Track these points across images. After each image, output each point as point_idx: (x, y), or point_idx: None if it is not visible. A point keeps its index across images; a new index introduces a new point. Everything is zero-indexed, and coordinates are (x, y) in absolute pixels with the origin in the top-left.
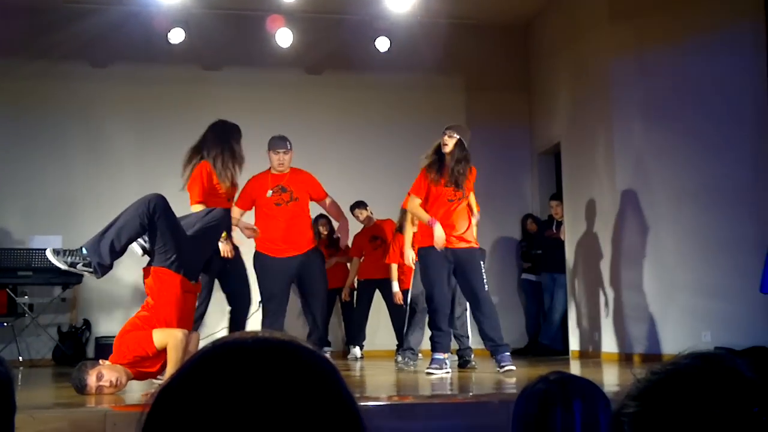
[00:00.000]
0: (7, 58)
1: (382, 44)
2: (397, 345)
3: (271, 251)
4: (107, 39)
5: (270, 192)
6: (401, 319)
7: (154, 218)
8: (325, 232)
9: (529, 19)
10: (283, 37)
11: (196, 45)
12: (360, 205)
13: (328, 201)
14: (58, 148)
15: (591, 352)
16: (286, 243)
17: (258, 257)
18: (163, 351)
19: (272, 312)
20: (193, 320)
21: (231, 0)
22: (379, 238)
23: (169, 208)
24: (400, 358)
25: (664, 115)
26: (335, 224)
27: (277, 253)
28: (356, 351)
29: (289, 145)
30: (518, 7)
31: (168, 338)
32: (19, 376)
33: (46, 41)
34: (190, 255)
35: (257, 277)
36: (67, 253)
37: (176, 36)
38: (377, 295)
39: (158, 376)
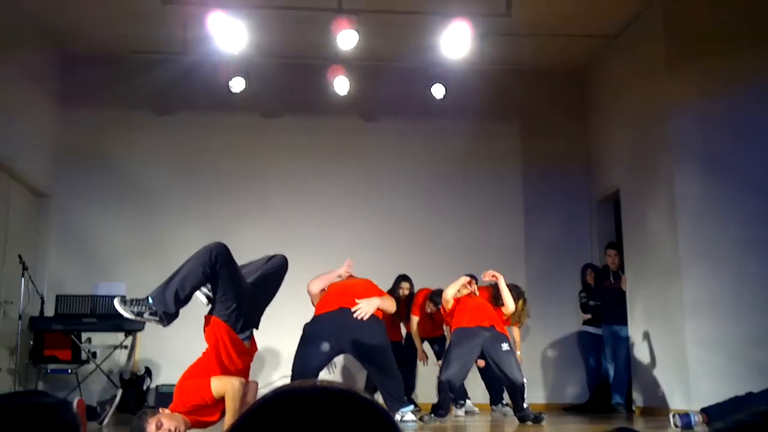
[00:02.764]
0: (78, 109)
1: (438, 91)
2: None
3: (324, 308)
4: (171, 88)
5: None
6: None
7: (216, 267)
8: (405, 295)
9: (585, 65)
10: (341, 85)
11: (257, 93)
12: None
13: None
14: (123, 197)
15: (656, 409)
16: (343, 298)
17: (307, 325)
18: (221, 400)
19: (297, 376)
20: (248, 377)
21: (290, 49)
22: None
23: (231, 256)
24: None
25: (725, 164)
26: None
27: (330, 308)
28: None
29: None
30: (575, 54)
31: (225, 386)
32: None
33: (114, 91)
34: (251, 303)
35: (300, 341)
36: (134, 302)
37: (237, 85)
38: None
39: None
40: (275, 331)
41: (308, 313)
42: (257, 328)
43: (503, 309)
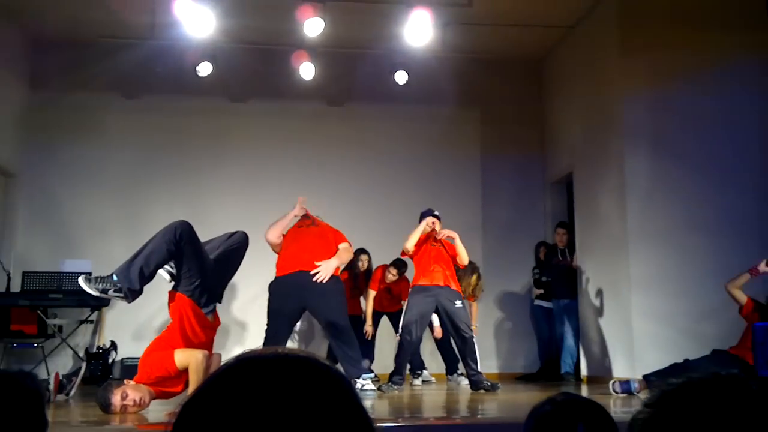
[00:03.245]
0: (46, 91)
1: (401, 77)
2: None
3: (285, 269)
4: (139, 72)
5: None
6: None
7: (180, 244)
8: (363, 268)
9: (543, 54)
10: (306, 71)
11: (224, 78)
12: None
13: (341, 246)
14: (90, 177)
15: (602, 378)
16: (302, 258)
17: (270, 285)
18: (184, 371)
19: (270, 338)
20: (212, 350)
21: (256, 35)
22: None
23: (194, 234)
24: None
25: (673, 148)
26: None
27: (290, 269)
28: None
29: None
30: (533, 43)
31: (189, 359)
32: (48, 395)
33: (81, 75)
34: (214, 279)
35: (268, 305)
36: (99, 279)
37: (205, 69)
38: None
39: None
40: (240, 303)
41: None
42: (220, 302)
43: (458, 259)
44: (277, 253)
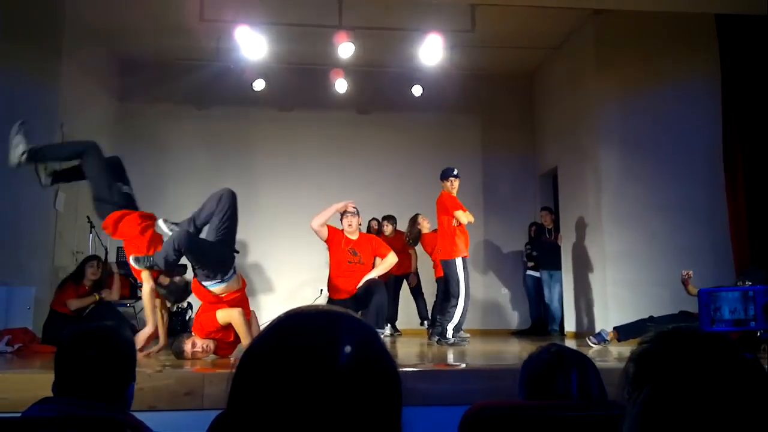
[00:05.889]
0: (133, 103)
1: (417, 90)
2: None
3: (336, 296)
4: (208, 87)
5: (344, 247)
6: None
7: (181, 253)
8: (387, 233)
9: (533, 70)
10: (340, 85)
11: (275, 92)
12: (389, 219)
13: (389, 256)
14: (169, 170)
15: (582, 333)
16: (348, 292)
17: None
18: (229, 325)
19: None
20: (248, 306)
21: (301, 57)
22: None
23: (195, 241)
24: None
25: (639, 147)
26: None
27: (338, 297)
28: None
29: (356, 212)
30: (524, 61)
31: (228, 317)
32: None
33: (161, 89)
34: (223, 255)
35: None
36: (170, 222)
37: (259, 85)
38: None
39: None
40: (287, 289)
41: (313, 257)
42: (238, 253)
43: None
44: (322, 238)
